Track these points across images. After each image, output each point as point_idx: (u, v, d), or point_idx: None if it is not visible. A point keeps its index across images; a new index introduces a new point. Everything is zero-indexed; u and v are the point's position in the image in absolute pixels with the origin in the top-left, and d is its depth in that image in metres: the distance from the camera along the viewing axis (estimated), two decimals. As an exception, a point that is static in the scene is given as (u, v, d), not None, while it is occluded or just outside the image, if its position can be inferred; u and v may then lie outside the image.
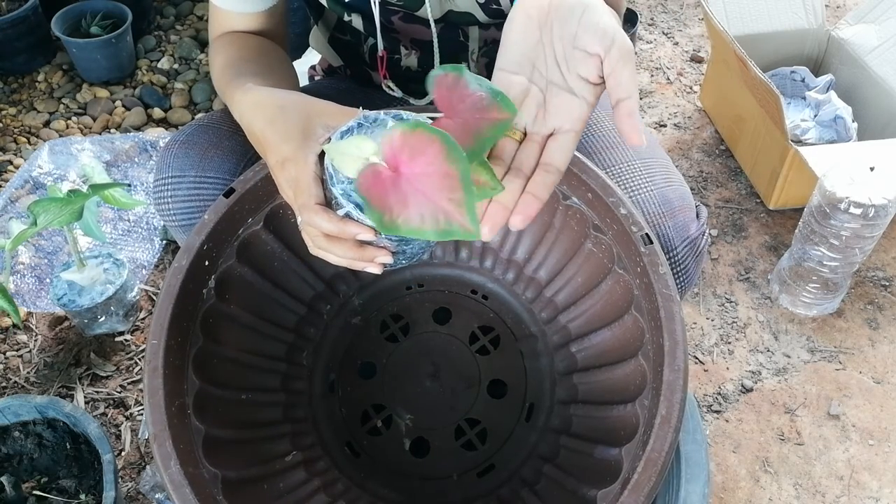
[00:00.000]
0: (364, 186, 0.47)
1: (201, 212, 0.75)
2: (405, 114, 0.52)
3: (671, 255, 0.75)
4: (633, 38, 1.78)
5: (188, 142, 0.77)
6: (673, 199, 0.77)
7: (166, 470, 0.59)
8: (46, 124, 1.68)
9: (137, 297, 1.27)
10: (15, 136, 1.65)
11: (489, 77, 0.53)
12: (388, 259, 0.56)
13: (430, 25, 0.79)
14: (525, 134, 0.54)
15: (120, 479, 1.04)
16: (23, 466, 0.93)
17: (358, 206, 0.51)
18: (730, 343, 1.29)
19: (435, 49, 0.81)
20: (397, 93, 0.87)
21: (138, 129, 1.67)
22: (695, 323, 1.31)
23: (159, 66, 1.84)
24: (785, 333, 1.30)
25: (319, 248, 0.57)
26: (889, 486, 1.10)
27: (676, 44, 1.98)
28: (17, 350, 1.25)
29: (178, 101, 1.74)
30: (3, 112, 1.70)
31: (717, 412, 1.19)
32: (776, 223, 1.48)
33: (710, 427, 1.17)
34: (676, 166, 1.11)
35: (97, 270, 1.21)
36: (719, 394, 1.21)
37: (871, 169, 1.17)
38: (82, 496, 0.90)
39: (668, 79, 1.87)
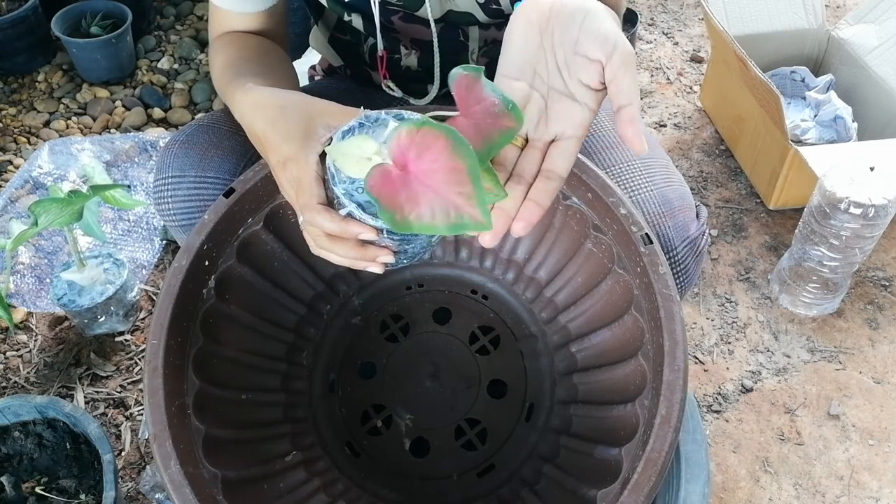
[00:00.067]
0: (374, 188, 0.47)
1: (201, 212, 0.75)
2: (406, 113, 0.52)
3: (671, 255, 0.75)
4: (633, 38, 1.78)
5: (188, 142, 0.77)
6: (673, 199, 0.77)
7: (166, 470, 0.59)
8: (46, 124, 1.68)
9: (137, 297, 1.27)
10: (15, 136, 1.65)
11: (490, 77, 0.53)
12: (390, 259, 0.56)
13: (430, 25, 0.79)
14: (527, 140, 0.54)
15: (120, 479, 1.04)
16: (23, 466, 0.93)
17: (360, 205, 0.51)
18: (730, 343, 1.29)
19: (435, 49, 0.81)
20: (397, 92, 0.87)
21: (138, 129, 1.67)
22: (695, 323, 1.32)
23: (159, 66, 1.84)
24: (785, 333, 1.30)
25: (321, 247, 0.57)
26: (889, 486, 1.10)
27: (676, 44, 1.98)
28: (17, 350, 1.25)
29: (178, 101, 1.74)
30: (3, 112, 1.70)
31: (717, 412, 1.19)
32: (776, 223, 1.48)
33: (710, 427, 1.17)
34: (676, 166, 1.11)
35: (97, 270, 1.21)
36: (719, 394, 1.21)
37: (871, 169, 1.17)
38: (82, 496, 0.90)
39: (668, 79, 1.87)
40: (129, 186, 1.38)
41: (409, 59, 0.85)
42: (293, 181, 0.56)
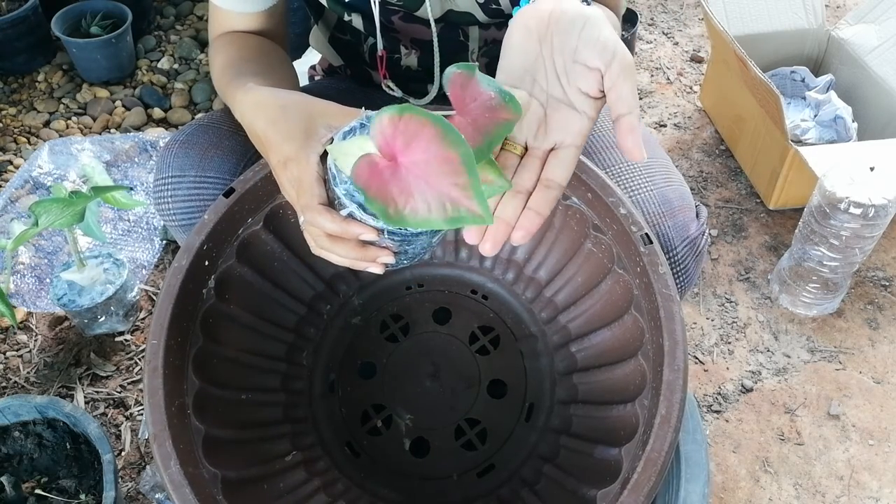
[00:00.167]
0: (361, 178, 0.46)
1: (201, 211, 0.75)
2: (415, 107, 0.52)
3: (671, 254, 0.75)
4: (632, 38, 1.78)
5: (188, 141, 0.77)
6: (673, 198, 0.77)
7: (166, 470, 0.59)
8: (46, 124, 1.68)
9: (137, 297, 1.27)
10: (15, 136, 1.65)
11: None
12: (390, 259, 0.56)
13: (430, 25, 0.79)
14: (526, 148, 0.54)
15: (120, 479, 1.04)
16: (23, 466, 0.93)
17: (361, 206, 0.51)
18: (730, 343, 1.29)
19: (435, 49, 0.81)
20: (397, 92, 0.87)
21: (138, 129, 1.67)
22: (695, 323, 1.32)
23: (159, 66, 1.84)
24: (785, 333, 1.30)
25: (322, 248, 0.57)
26: (889, 486, 1.10)
27: (676, 44, 1.98)
28: (17, 350, 1.25)
29: (178, 101, 1.74)
30: (3, 112, 1.70)
31: (717, 412, 1.19)
32: (776, 223, 1.48)
33: (710, 427, 1.17)
34: (676, 166, 1.11)
35: (97, 270, 1.21)
36: (719, 394, 1.21)
37: (871, 169, 1.17)
38: (82, 496, 0.90)
39: (668, 79, 1.87)
40: (131, 188, 1.38)
41: (409, 58, 0.85)
42: (294, 181, 0.56)
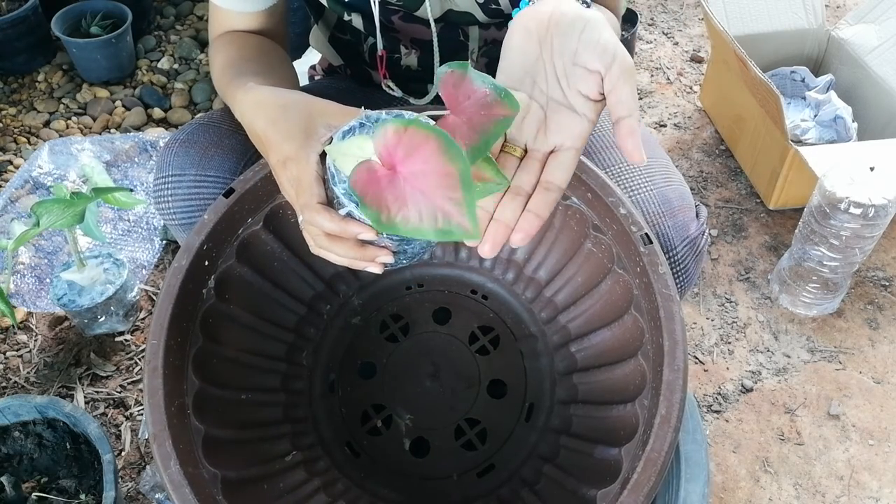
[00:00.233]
0: (358, 184, 0.46)
1: (201, 210, 0.75)
2: (406, 113, 0.52)
3: (671, 254, 0.75)
4: (632, 38, 1.78)
5: (188, 140, 0.77)
6: (672, 198, 0.77)
7: (166, 470, 0.59)
8: (46, 124, 1.68)
9: (137, 297, 1.27)
10: (15, 136, 1.65)
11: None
12: (389, 259, 0.56)
13: (429, 25, 0.79)
14: (526, 150, 0.54)
15: (120, 479, 1.04)
16: (23, 466, 0.93)
17: (359, 205, 0.51)
18: (730, 343, 1.29)
19: (435, 48, 0.81)
20: (397, 92, 0.87)
21: (138, 129, 1.67)
22: (695, 323, 1.31)
23: (159, 66, 1.84)
24: (785, 333, 1.30)
25: (321, 247, 0.57)
26: (889, 486, 1.10)
27: (676, 44, 1.98)
28: (17, 350, 1.25)
29: (178, 101, 1.74)
30: (3, 112, 1.70)
31: (717, 412, 1.19)
32: (776, 223, 1.48)
33: (710, 427, 1.17)
34: (676, 166, 1.11)
35: (97, 270, 1.21)
36: (719, 394, 1.21)
37: (871, 169, 1.17)
38: (82, 496, 0.90)
39: (668, 79, 1.87)
40: (131, 189, 1.38)
41: (409, 58, 0.85)
42: (293, 180, 0.56)
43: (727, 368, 1.25)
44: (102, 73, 1.75)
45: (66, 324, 1.28)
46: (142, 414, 1.17)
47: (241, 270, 0.74)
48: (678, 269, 0.76)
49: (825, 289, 1.28)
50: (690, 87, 1.84)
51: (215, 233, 0.70)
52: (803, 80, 1.62)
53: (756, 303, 1.35)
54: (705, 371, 1.25)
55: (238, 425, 0.71)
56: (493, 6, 0.77)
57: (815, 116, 1.55)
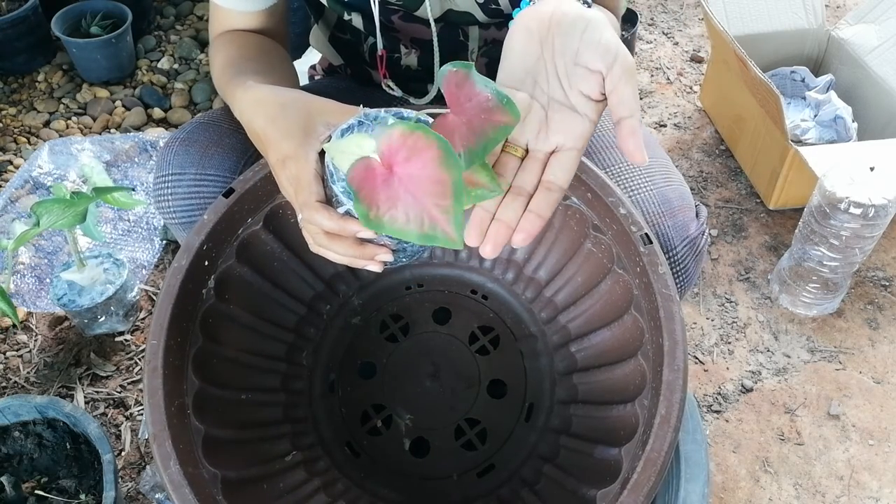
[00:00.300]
0: (355, 179, 0.47)
1: (201, 209, 0.75)
2: (406, 112, 0.52)
3: (671, 254, 0.75)
4: (632, 38, 1.78)
5: (188, 139, 0.77)
6: (672, 198, 0.77)
7: (166, 470, 0.59)
8: (46, 124, 1.68)
9: (137, 297, 1.27)
10: (15, 136, 1.65)
11: (491, 78, 0.52)
12: (389, 257, 0.56)
13: (429, 25, 0.79)
14: (527, 151, 0.54)
15: (120, 479, 1.04)
16: (23, 466, 0.93)
17: None
18: (730, 343, 1.28)
19: (435, 48, 0.81)
20: (397, 92, 0.87)
21: (138, 129, 1.67)
22: (695, 323, 1.31)
23: (159, 66, 1.84)
24: (785, 333, 1.30)
25: (320, 245, 0.57)
26: (889, 486, 1.10)
27: (676, 44, 1.98)
28: (17, 350, 1.25)
29: (178, 101, 1.74)
30: (3, 112, 1.70)
31: (717, 412, 1.19)
32: (776, 223, 1.48)
33: (710, 427, 1.17)
34: (676, 166, 1.10)
35: (97, 270, 1.21)
36: (719, 394, 1.21)
37: (871, 169, 1.17)
38: (82, 496, 0.90)
39: (668, 79, 1.87)
40: (132, 189, 1.38)
41: (409, 58, 0.85)
42: (292, 179, 0.56)
43: (727, 368, 1.25)
44: (102, 73, 1.75)
45: (66, 324, 1.28)
46: (142, 414, 1.17)
47: (241, 270, 0.74)
48: (678, 269, 0.76)
49: (825, 289, 1.28)
50: (690, 87, 1.84)
51: (215, 233, 0.70)
52: (803, 80, 1.62)
53: (756, 303, 1.35)
54: (705, 371, 1.24)
55: (238, 425, 0.71)
56: (493, 6, 0.77)
57: (815, 116, 1.55)
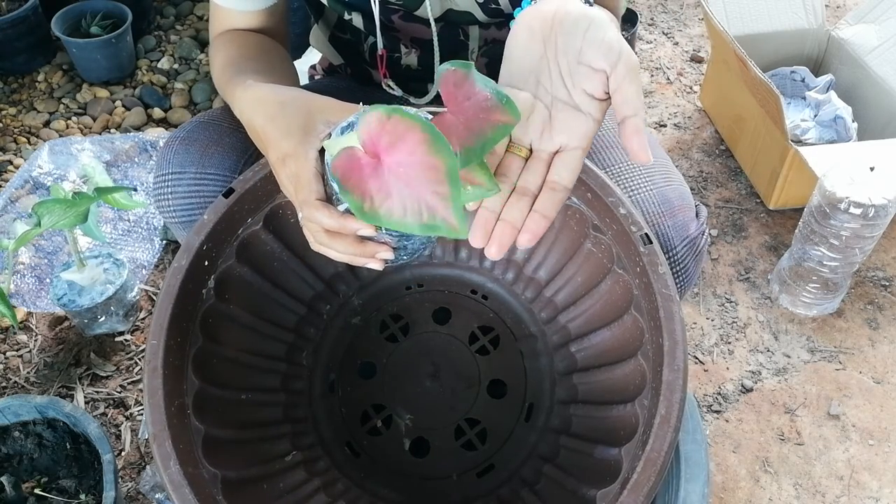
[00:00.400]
0: (339, 169, 0.46)
1: (201, 208, 0.75)
2: (405, 109, 0.52)
3: (671, 254, 0.75)
4: (633, 38, 1.78)
5: (188, 138, 0.77)
6: (672, 198, 0.77)
7: (166, 470, 0.59)
8: (46, 124, 1.68)
9: (137, 297, 1.27)
10: (15, 136, 1.65)
11: (492, 77, 0.52)
12: (389, 255, 0.56)
13: (429, 24, 0.79)
14: (531, 151, 0.54)
15: (120, 479, 1.04)
16: (23, 466, 0.93)
17: None
18: (730, 343, 1.28)
19: (435, 48, 0.81)
20: (397, 92, 0.87)
21: (138, 129, 1.67)
22: (695, 323, 1.31)
23: (159, 66, 1.84)
24: (785, 333, 1.30)
25: (320, 243, 0.57)
26: (889, 486, 1.10)
27: (676, 44, 1.98)
28: (17, 350, 1.25)
29: (178, 101, 1.74)
30: (3, 112, 1.70)
31: (717, 412, 1.19)
32: (776, 223, 1.48)
33: (710, 427, 1.17)
34: (676, 166, 1.10)
35: (97, 270, 1.21)
36: (719, 394, 1.21)
37: (871, 169, 1.17)
38: (82, 496, 0.90)
39: (668, 79, 1.87)
40: (134, 188, 1.38)
41: (409, 58, 0.85)
42: (292, 177, 0.56)
43: (727, 368, 1.25)
44: (102, 73, 1.75)
45: (66, 324, 1.28)
46: (142, 414, 1.17)
47: (241, 270, 0.74)
48: (678, 268, 0.76)
49: (825, 289, 1.28)
50: (690, 87, 1.84)
51: (215, 233, 0.70)
52: (803, 80, 1.62)
53: (756, 303, 1.35)
54: (705, 371, 1.24)
55: (238, 425, 0.71)
56: (493, 6, 0.77)
57: (815, 116, 1.55)
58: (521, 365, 0.80)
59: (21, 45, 1.74)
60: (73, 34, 1.72)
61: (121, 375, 1.22)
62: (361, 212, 0.45)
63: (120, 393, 1.19)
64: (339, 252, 0.56)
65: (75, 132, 1.66)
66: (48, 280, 1.33)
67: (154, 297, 1.33)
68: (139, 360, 1.24)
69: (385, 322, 0.84)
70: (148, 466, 1.07)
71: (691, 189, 1.55)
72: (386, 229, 0.53)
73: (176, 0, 2.02)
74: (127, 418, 1.16)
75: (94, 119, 1.69)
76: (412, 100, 0.87)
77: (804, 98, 1.60)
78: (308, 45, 1.05)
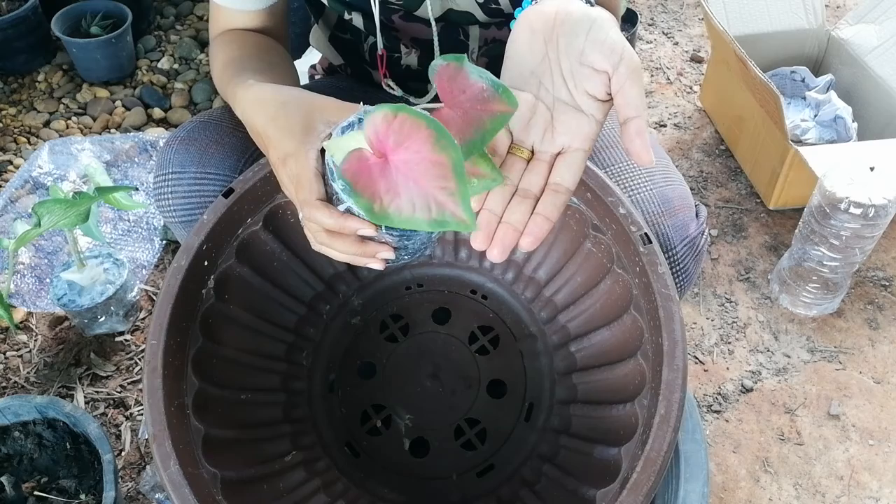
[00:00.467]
0: (349, 172, 0.46)
1: (202, 208, 0.75)
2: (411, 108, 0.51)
3: (670, 254, 0.75)
4: (632, 38, 1.78)
5: (189, 138, 0.77)
6: (672, 198, 0.77)
7: (166, 470, 0.59)
8: (46, 124, 1.68)
9: (137, 297, 1.27)
10: (15, 136, 1.65)
11: None
12: (390, 254, 0.56)
13: (430, 24, 0.79)
14: (532, 152, 0.54)
15: (120, 479, 1.04)
16: (23, 466, 0.93)
17: None
18: (730, 343, 1.28)
19: (435, 48, 0.81)
20: (397, 91, 0.87)
21: (138, 129, 1.67)
22: (695, 323, 1.31)
23: (159, 66, 1.84)
24: (785, 333, 1.30)
25: (321, 243, 0.57)
26: (889, 486, 1.10)
27: (676, 44, 1.98)
28: (17, 350, 1.25)
29: (178, 101, 1.74)
30: (3, 112, 1.70)
31: (717, 412, 1.19)
32: (776, 223, 1.48)
33: (710, 427, 1.17)
34: (676, 166, 1.10)
35: (97, 270, 1.21)
36: (719, 394, 1.21)
37: (871, 169, 1.17)
38: (82, 496, 0.90)
39: (668, 79, 1.87)
40: (136, 188, 1.38)
41: (410, 58, 0.85)
42: (293, 177, 0.56)
43: (727, 368, 1.25)
44: (102, 73, 1.75)
45: (66, 324, 1.28)
46: (142, 414, 1.17)
47: (241, 270, 0.74)
48: (678, 268, 0.76)
49: (825, 289, 1.28)
50: (690, 87, 1.84)
51: (215, 233, 0.70)
52: (803, 80, 1.62)
53: (756, 303, 1.35)
54: (705, 371, 1.24)
55: (238, 425, 0.71)
56: (493, 5, 0.77)
57: (815, 116, 1.55)
58: (520, 365, 0.80)
59: (21, 45, 1.74)
60: (73, 34, 1.72)
61: (121, 375, 1.22)
62: (371, 213, 0.45)
63: (120, 393, 1.19)
64: (339, 252, 0.56)
65: (75, 132, 1.66)
66: (48, 280, 1.33)
67: (154, 297, 1.33)
68: (139, 360, 1.24)
69: (385, 322, 0.84)
70: (148, 466, 1.07)
71: (691, 189, 1.55)
72: (386, 229, 0.53)
73: (176, 0, 2.02)
74: (127, 418, 1.16)
75: (94, 119, 1.69)
76: (412, 100, 0.87)
77: (804, 98, 1.60)
78: (308, 45, 1.05)
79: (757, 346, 1.28)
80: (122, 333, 1.26)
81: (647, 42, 1.98)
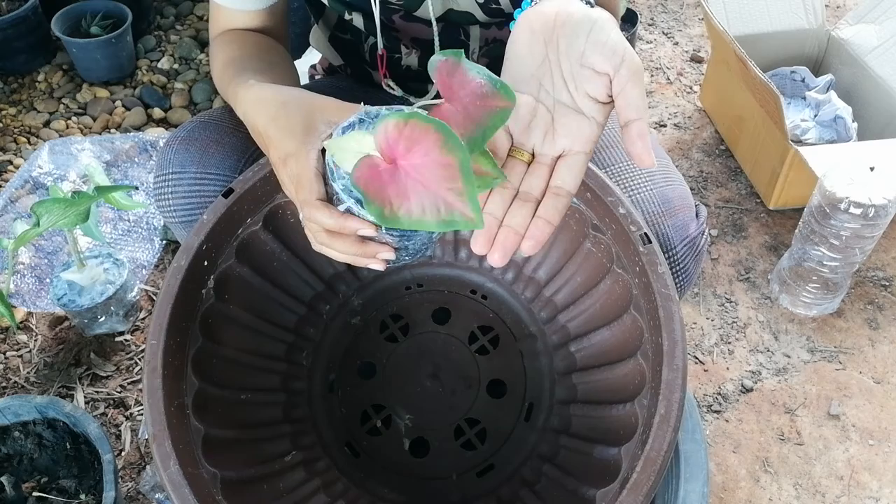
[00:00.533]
0: (361, 180, 0.46)
1: (202, 208, 0.75)
2: (407, 109, 0.52)
3: (670, 254, 0.75)
4: (632, 38, 1.78)
5: (189, 138, 0.77)
6: (672, 198, 0.77)
7: (165, 470, 0.59)
8: (46, 124, 1.68)
9: (137, 297, 1.27)
10: (15, 136, 1.65)
11: None
12: (391, 255, 0.56)
13: (430, 24, 0.79)
14: (533, 155, 0.53)
15: (120, 479, 1.04)
16: (23, 466, 0.93)
17: (359, 201, 0.51)
18: (730, 343, 1.28)
19: (436, 48, 0.81)
20: (397, 92, 0.87)
21: (138, 129, 1.67)
22: (695, 323, 1.31)
23: (159, 66, 1.84)
24: (785, 333, 1.30)
25: (321, 243, 0.57)
26: (889, 486, 1.10)
27: (676, 44, 1.98)
28: (17, 350, 1.25)
29: (178, 101, 1.74)
30: (3, 112, 1.70)
31: (717, 412, 1.19)
32: (776, 223, 1.48)
33: (710, 427, 1.17)
34: (676, 166, 1.11)
35: (97, 270, 1.21)
36: (719, 394, 1.21)
37: (871, 169, 1.17)
38: (82, 496, 0.90)
39: (668, 79, 1.87)
40: (136, 187, 1.38)
41: (410, 58, 0.85)
42: (293, 177, 0.56)
43: (727, 368, 1.25)
44: (102, 73, 1.75)
45: (66, 324, 1.28)
46: (142, 414, 1.17)
47: (241, 270, 0.74)
48: (678, 268, 0.76)
49: (825, 289, 1.28)
50: (690, 87, 1.84)
51: (215, 233, 0.70)
52: (803, 80, 1.62)
53: (756, 303, 1.35)
54: (705, 371, 1.24)
55: (238, 425, 0.71)
56: (494, 6, 0.77)
57: (815, 116, 1.55)
58: (520, 365, 0.80)
59: (21, 45, 1.74)
60: (73, 34, 1.72)
61: (121, 375, 1.22)
62: (382, 217, 0.45)
63: (120, 393, 1.19)
64: (339, 252, 0.56)
65: (75, 132, 1.66)
66: (48, 280, 1.33)
67: (154, 297, 1.33)
68: (139, 360, 1.24)
69: (385, 322, 0.84)
70: (148, 466, 1.07)
71: (691, 189, 1.55)
72: (387, 229, 0.53)
73: (176, 0, 2.02)
74: (127, 418, 1.16)
75: (94, 119, 1.69)
76: (412, 100, 0.87)
77: (804, 98, 1.60)
78: (308, 46, 1.05)
79: (757, 346, 1.28)
80: (122, 333, 1.26)
81: (647, 42, 1.98)
